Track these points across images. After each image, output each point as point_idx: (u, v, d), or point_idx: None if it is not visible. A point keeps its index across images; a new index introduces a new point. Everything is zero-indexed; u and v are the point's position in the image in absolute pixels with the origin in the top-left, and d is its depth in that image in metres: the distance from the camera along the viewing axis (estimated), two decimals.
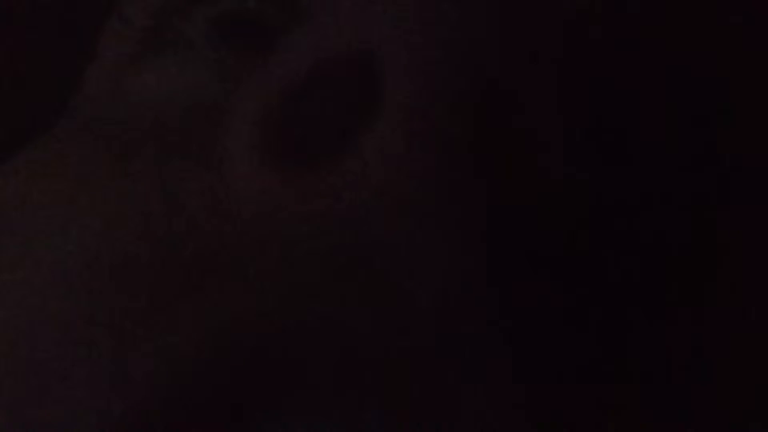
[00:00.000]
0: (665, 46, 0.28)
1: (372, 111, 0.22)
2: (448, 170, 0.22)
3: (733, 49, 0.30)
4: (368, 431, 0.22)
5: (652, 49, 0.27)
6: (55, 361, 0.24)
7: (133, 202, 0.25)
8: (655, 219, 0.28)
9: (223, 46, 0.28)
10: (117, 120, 0.28)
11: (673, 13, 0.28)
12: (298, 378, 0.22)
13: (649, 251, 0.28)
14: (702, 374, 0.29)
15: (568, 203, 0.24)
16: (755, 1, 0.30)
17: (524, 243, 0.23)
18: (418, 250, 0.22)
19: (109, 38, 0.31)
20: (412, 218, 0.22)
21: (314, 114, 0.23)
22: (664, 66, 0.27)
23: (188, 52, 0.28)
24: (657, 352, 0.28)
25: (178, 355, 0.22)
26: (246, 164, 0.24)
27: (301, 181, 0.22)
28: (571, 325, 0.25)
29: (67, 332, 0.24)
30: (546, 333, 0.24)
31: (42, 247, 0.26)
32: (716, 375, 0.30)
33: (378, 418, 0.22)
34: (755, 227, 0.30)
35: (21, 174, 0.29)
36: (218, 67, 0.27)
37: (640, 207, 0.28)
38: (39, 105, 0.33)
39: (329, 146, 0.22)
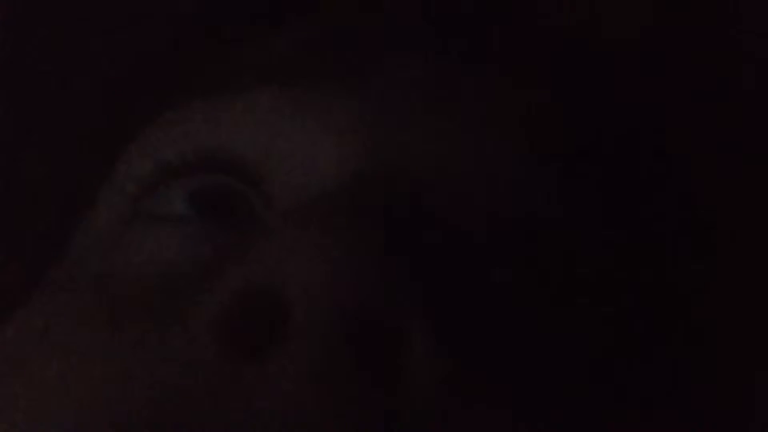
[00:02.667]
0: None
1: (281, 332, 0.26)
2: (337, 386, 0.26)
3: None
4: None
5: None
6: None
7: (115, 365, 0.28)
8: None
9: (198, 217, 0.32)
10: (107, 281, 0.32)
11: None
12: None
13: None
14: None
15: None
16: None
17: None
18: None
19: (101, 202, 0.35)
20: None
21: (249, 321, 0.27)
22: None
23: (167, 224, 0.32)
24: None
25: None
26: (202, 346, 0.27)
27: (240, 370, 0.27)
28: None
29: None
30: None
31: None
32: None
33: None
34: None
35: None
36: (193, 240, 0.32)
37: None
38: (31, 258, 0.36)
39: (256, 352, 0.27)
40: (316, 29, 0.34)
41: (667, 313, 0.32)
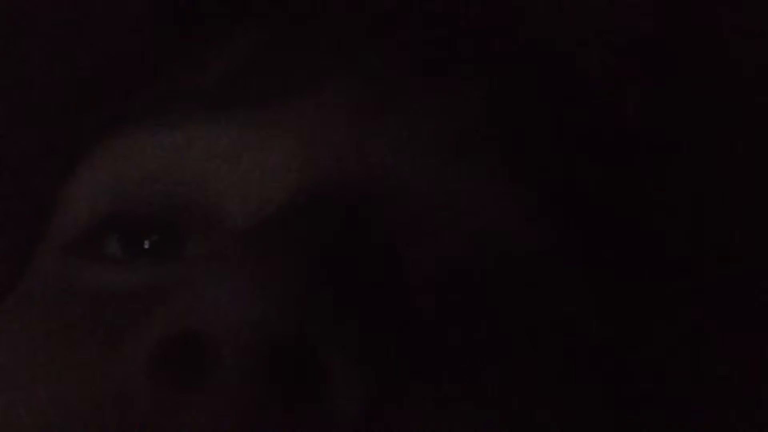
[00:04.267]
0: None
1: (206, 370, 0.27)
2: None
3: None
4: None
5: None
6: None
7: (66, 381, 0.29)
8: None
9: (135, 248, 0.33)
10: (56, 303, 0.32)
11: None
12: None
13: None
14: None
15: None
16: None
17: None
18: None
19: (56, 227, 0.35)
20: None
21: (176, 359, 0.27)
22: None
23: (104, 260, 0.33)
24: None
25: None
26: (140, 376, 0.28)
27: (167, 402, 0.27)
28: None
29: None
30: None
31: None
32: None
33: None
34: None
35: None
36: (131, 273, 0.32)
37: None
38: None
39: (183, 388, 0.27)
40: (259, 46, 0.34)
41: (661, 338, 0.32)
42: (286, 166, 0.31)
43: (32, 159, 0.37)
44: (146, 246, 0.33)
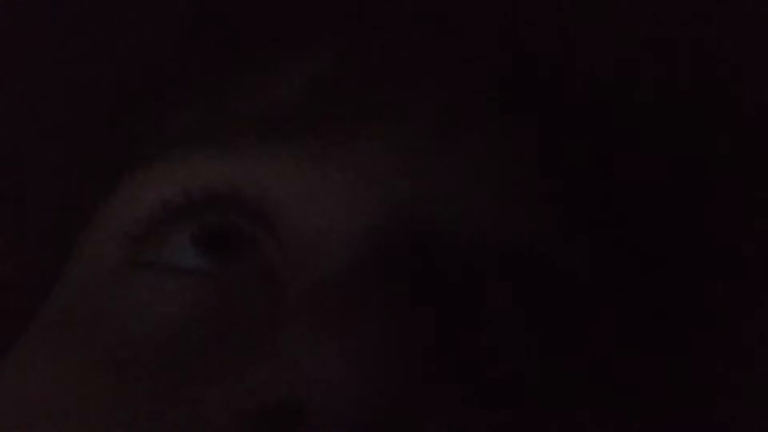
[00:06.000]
0: None
1: None
2: None
3: None
4: None
5: None
6: None
7: (120, 417, 0.28)
8: None
9: (203, 265, 0.31)
10: (101, 337, 0.30)
11: None
12: None
13: None
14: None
15: None
16: None
17: None
18: None
19: (86, 249, 0.33)
20: None
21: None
22: None
23: (170, 275, 0.31)
24: None
25: None
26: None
27: None
28: None
29: None
30: None
31: None
32: None
33: None
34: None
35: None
36: (199, 296, 0.30)
37: None
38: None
39: None
40: (327, 71, 0.33)
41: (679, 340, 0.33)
42: (365, 191, 0.31)
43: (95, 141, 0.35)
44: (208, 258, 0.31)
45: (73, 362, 0.30)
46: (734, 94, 0.34)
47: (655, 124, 0.34)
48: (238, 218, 0.31)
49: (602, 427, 0.30)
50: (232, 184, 0.31)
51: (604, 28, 0.34)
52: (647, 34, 0.34)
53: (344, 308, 0.27)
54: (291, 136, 0.31)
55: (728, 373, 0.33)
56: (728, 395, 0.33)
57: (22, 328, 0.32)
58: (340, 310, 0.27)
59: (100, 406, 0.28)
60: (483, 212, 0.31)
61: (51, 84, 0.35)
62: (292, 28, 0.34)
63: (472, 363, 0.28)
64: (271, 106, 0.32)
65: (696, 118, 0.34)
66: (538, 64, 0.34)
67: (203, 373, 0.28)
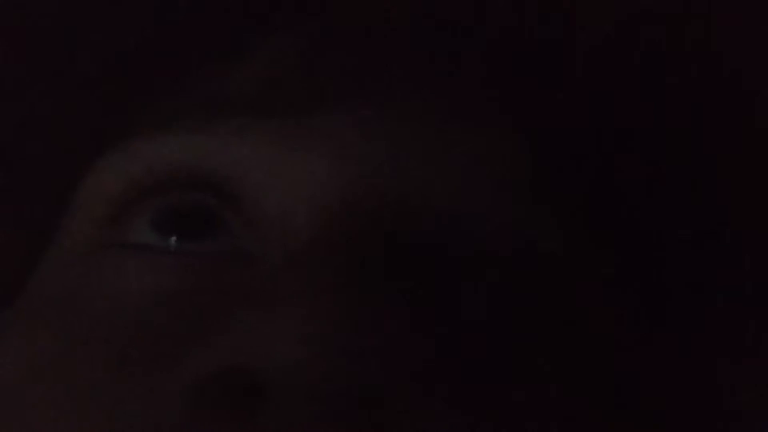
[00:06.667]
0: None
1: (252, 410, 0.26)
2: None
3: None
4: None
5: None
6: None
7: (75, 406, 0.28)
8: None
9: (171, 237, 0.31)
10: (72, 314, 0.30)
11: None
12: None
13: None
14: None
15: None
16: None
17: None
18: None
19: (72, 227, 0.33)
20: None
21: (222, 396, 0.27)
22: None
23: (137, 253, 0.31)
24: None
25: None
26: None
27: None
28: None
29: None
30: None
31: None
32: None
33: None
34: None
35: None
36: (165, 274, 0.30)
37: None
38: None
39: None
40: (298, 51, 0.33)
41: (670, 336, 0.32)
42: (337, 166, 0.30)
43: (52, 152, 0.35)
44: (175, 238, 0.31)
45: (44, 345, 0.30)
46: (735, 90, 0.34)
47: (655, 123, 0.34)
48: (206, 197, 0.31)
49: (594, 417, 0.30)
50: (198, 163, 0.31)
51: (603, 21, 0.34)
52: (647, 29, 0.34)
53: (309, 285, 0.27)
54: (259, 115, 0.31)
55: (728, 373, 0.33)
56: (727, 393, 0.32)
57: None
58: (305, 287, 0.27)
59: (69, 387, 0.28)
60: (455, 191, 0.31)
61: (26, 75, 0.35)
62: (263, 7, 0.34)
63: (441, 345, 0.28)
64: (240, 85, 0.32)
65: (696, 118, 0.34)
66: (536, 56, 0.33)
67: (165, 349, 0.28)
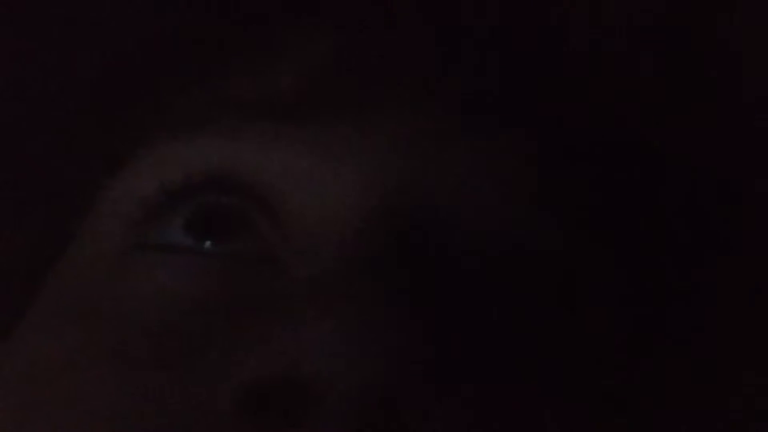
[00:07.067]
0: None
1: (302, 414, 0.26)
2: None
3: None
4: None
5: None
6: None
7: (120, 403, 0.28)
8: None
9: (203, 239, 0.31)
10: (109, 311, 0.30)
11: None
12: None
13: None
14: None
15: None
16: None
17: None
18: None
19: (100, 228, 0.33)
20: None
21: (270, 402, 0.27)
22: None
23: (170, 255, 0.31)
24: None
25: None
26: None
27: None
28: None
29: None
30: None
31: None
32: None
33: None
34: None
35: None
36: (198, 276, 0.30)
37: None
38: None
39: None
40: (329, 58, 0.33)
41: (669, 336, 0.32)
42: (367, 174, 0.31)
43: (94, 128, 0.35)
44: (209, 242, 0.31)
45: (75, 345, 0.30)
46: (734, 87, 0.34)
47: (655, 123, 0.34)
48: (237, 201, 0.31)
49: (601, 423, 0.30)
50: (232, 167, 0.31)
51: (603, 21, 0.34)
52: (647, 28, 0.34)
53: (348, 293, 0.27)
54: (293, 122, 0.31)
55: (728, 372, 0.33)
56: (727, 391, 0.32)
57: (19, 314, 0.33)
58: (344, 295, 0.27)
59: (101, 388, 0.28)
60: (485, 204, 0.31)
61: (44, 73, 0.35)
62: (294, 15, 0.34)
63: (473, 350, 0.29)
64: (274, 92, 0.32)
65: (696, 118, 0.34)
66: (540, 62, 0.33)
67: (204, 352, 0.28)
